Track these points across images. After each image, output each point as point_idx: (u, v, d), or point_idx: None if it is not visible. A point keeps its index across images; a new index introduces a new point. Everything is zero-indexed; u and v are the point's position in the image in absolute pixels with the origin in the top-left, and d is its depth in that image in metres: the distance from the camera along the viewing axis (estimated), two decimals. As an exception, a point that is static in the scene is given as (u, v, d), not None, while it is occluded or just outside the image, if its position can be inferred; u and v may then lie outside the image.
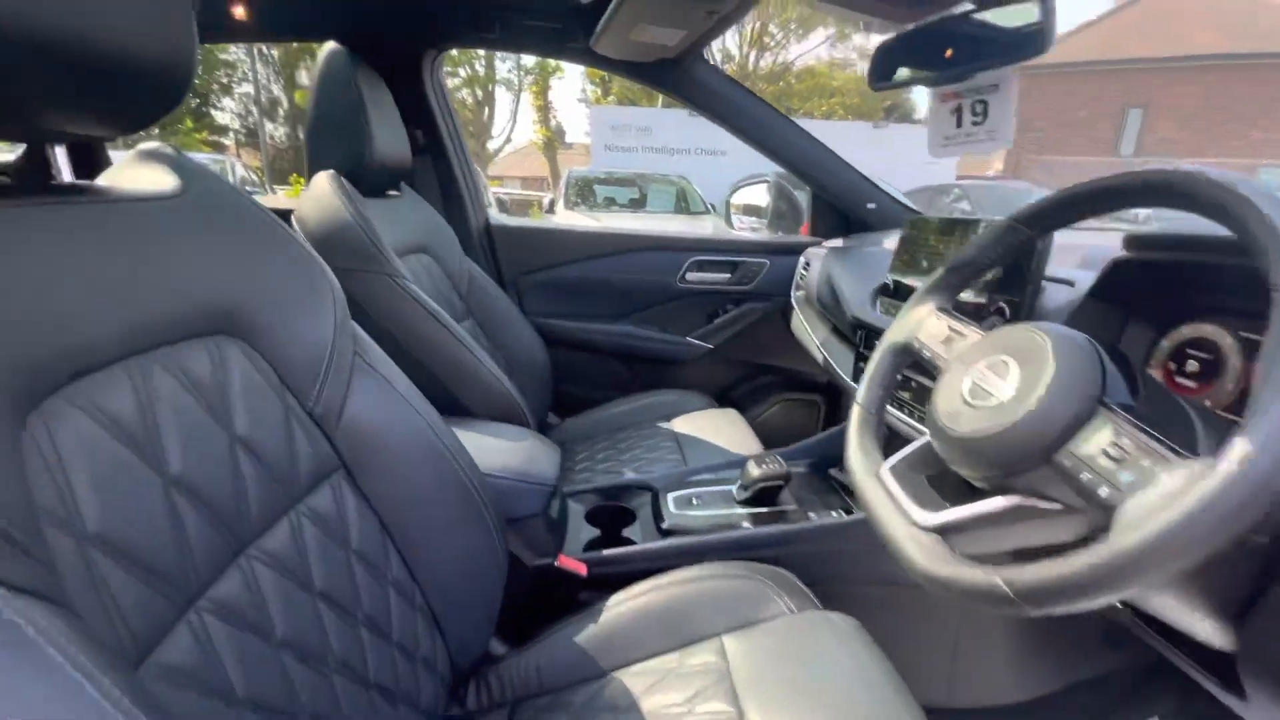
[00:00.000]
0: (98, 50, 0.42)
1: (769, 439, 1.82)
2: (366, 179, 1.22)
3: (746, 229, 1.96)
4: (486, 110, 14.31)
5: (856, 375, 1.20)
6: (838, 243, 1.65)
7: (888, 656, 0.76)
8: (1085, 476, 0.45)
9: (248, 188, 7.05)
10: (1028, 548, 0.53)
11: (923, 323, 0.70)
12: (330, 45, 1.19)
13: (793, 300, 1.72)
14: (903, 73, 0.92)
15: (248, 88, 14.37)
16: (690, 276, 1.80)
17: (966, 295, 0.87)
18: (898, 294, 1.13)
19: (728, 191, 2.05)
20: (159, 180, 0.57)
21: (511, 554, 0.90)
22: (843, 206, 1.68)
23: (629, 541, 1.04)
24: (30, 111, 0.44)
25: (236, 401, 0.55)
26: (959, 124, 0.90)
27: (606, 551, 1.01)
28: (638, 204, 7.03)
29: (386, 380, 0.71)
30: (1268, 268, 0.41)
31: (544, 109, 13.74)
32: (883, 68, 0.95)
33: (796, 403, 1.91)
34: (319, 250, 1.07)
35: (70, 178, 0.58)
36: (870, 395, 0.73)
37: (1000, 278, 0.87)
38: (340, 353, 0.66)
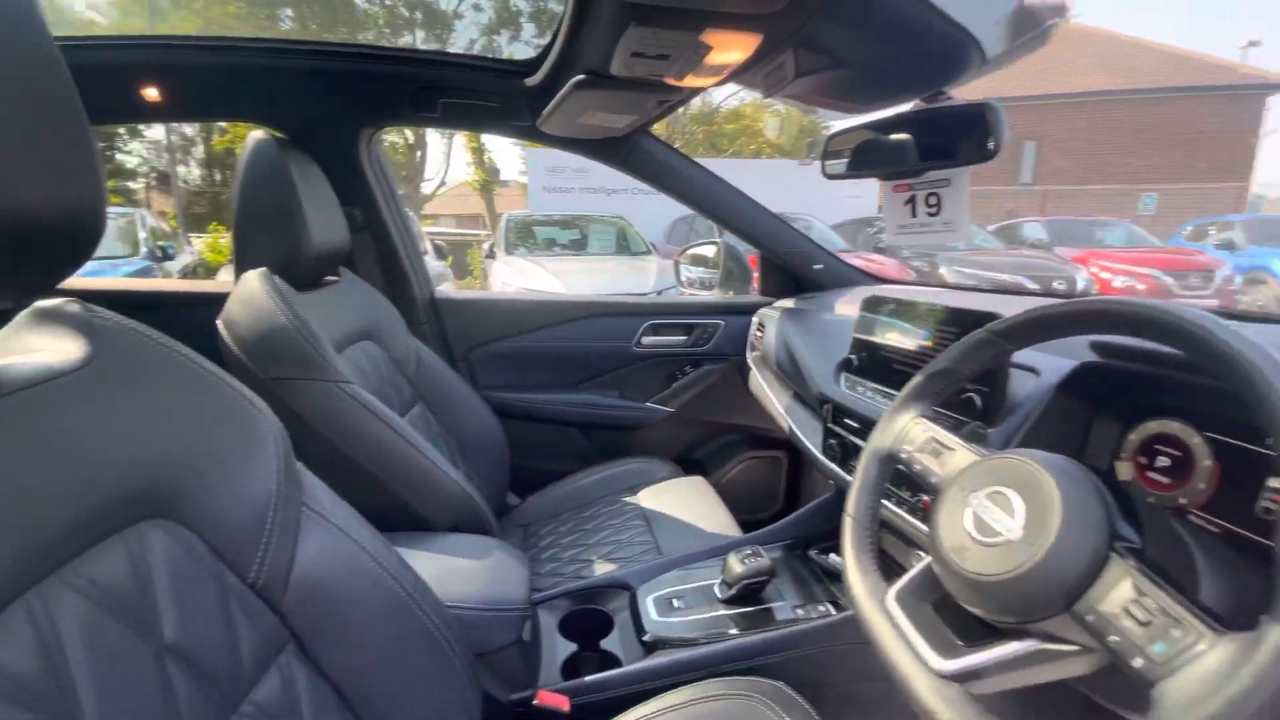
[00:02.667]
0: None
1: (737, 499, 1.79)
2: (302, 270, 1.13)
3: (696, 281, 1.96)
4: (419, 154, 14.13)
5: (826, 450, 1.19)
6: (789, 303, 1.67)
7: None
8: (1113, 639, 0.44)
9: (160, 243, 6.61)
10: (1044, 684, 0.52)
11: (907, 430, 0.69)
12: (257, 134, 1.11)
13: (749, 360, 1.72)
14: (854, 164, 0.93)
15: (159, 131, 13.64)
16: (647, 340, 1.78)
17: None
18: (861, 371, 1.13)
19: (670, 252, 2.06)
20: (62, 348, 0.49)
21: (485, 693, 0.82)
22: (790, 268, 1.70)
23: (610, 657, 0.98)
24: None
25: (162, 601, 0.47)
26: (913, 214, 0.91)
27: (589, 678, 0.94)
28: (579, 245, 7.03)
29: (338, 527, 0.64)
30: (1273, 433, 0.41)
31: (478, 150, 13.67)
32: (832, 157, 0.97)
33: (761, 460, 1.90)
34: (251, 358, 0.98)
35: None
36: (861, 505, 0.71)
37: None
38: (285, 504, 0.58)
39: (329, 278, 1.29)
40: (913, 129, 0.85)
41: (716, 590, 1.06)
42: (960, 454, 0.63)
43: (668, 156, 1.52)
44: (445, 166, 15.44)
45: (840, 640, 0.95)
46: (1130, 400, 0.74)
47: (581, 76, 1.00)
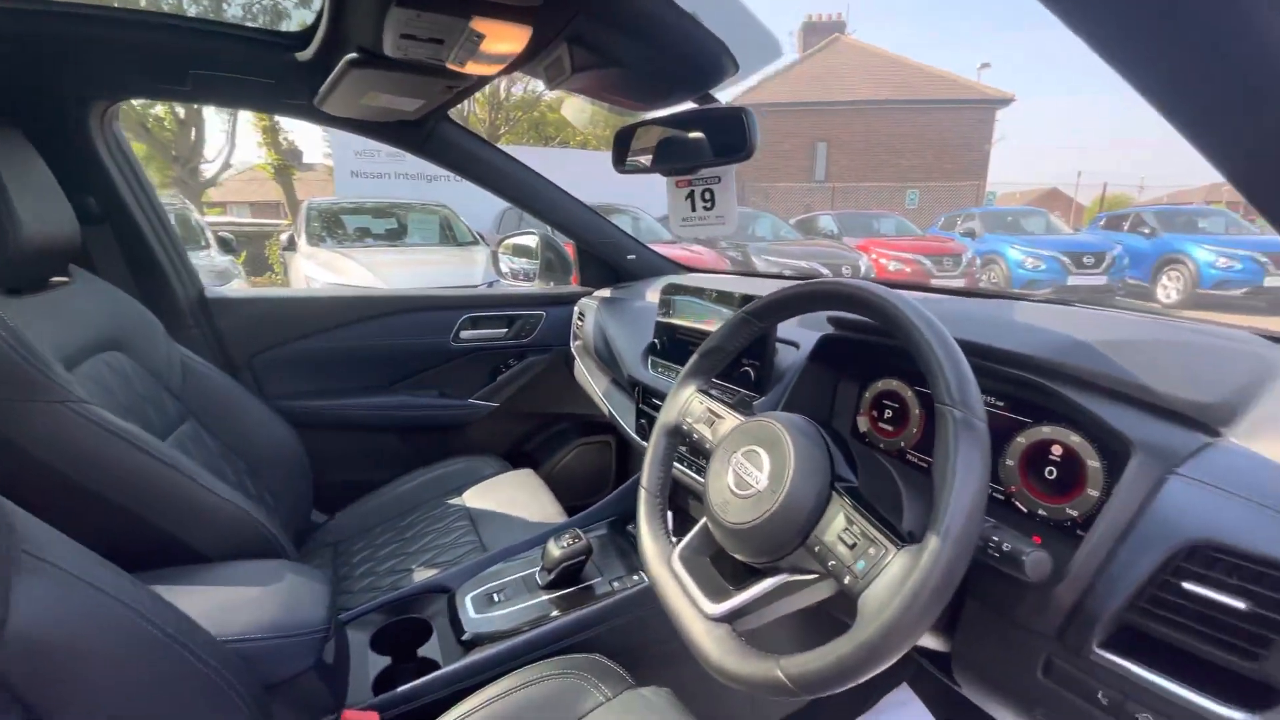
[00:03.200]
0: None
1: (569, 488, 1.82)
2: (16, 272, 0.93)
3: (519, 273, 1.94)
4: (194, 131, 12.05)
5: (639, 430, 1.26)
6: (606, 293, 1.73)
7: (705, 716, 0.80)
8: (832, 563, 0.53)
9: None
10: (797, 614, 0.61)
11: (689, 404, 0.76)
12: None
13: (572, 349, 1.75)
14: (638, 159, 0.99)
15: None
16: (465, 335, 1.73)
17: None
18: (664, 354, 1.21)
19: (495, 242, 2.01)
20: None
21: None
22: (605, 259, 1.76)
23: (429, 664, 0.95)
24: None
25: None
26: (694, 208, 0.99)
27: (402, 688, 0.90)
28: (397, 236, 6.55)
29: (70, 573, 0.54)
30: (933, 386, 0.51)
31: (270, 129, 12.00)
32: (621, 153, 1.01)
33: (591, 446, 1.95)
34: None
35: None
36: (653, 477, 0.76)
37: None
38: None
39: (56, 278, 1.07)
40: (685, 129, 0.92)
41: (537, 578, 1.08)
42: (728, 421, 0.70)
43: (472, 144, 1.48)
44: (229, 146, 13.30)
45: (650, 605, 1.02)
46: (863, 365, 0.88)
47: (354, 55, 0.94)
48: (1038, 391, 0.63)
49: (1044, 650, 0.56)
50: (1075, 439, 0.62)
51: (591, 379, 1.58)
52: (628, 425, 1.32)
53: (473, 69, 0.87)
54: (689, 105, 0.94)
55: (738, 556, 0.61)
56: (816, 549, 0.54)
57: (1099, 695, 0.52)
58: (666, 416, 0.78)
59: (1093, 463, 0.61)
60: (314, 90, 1.19)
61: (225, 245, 7.08)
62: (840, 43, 18.33)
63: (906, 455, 0.82)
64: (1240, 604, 0.45)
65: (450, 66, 0.88)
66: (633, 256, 1.75)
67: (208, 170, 13.31)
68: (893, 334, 0.56)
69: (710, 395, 0.76)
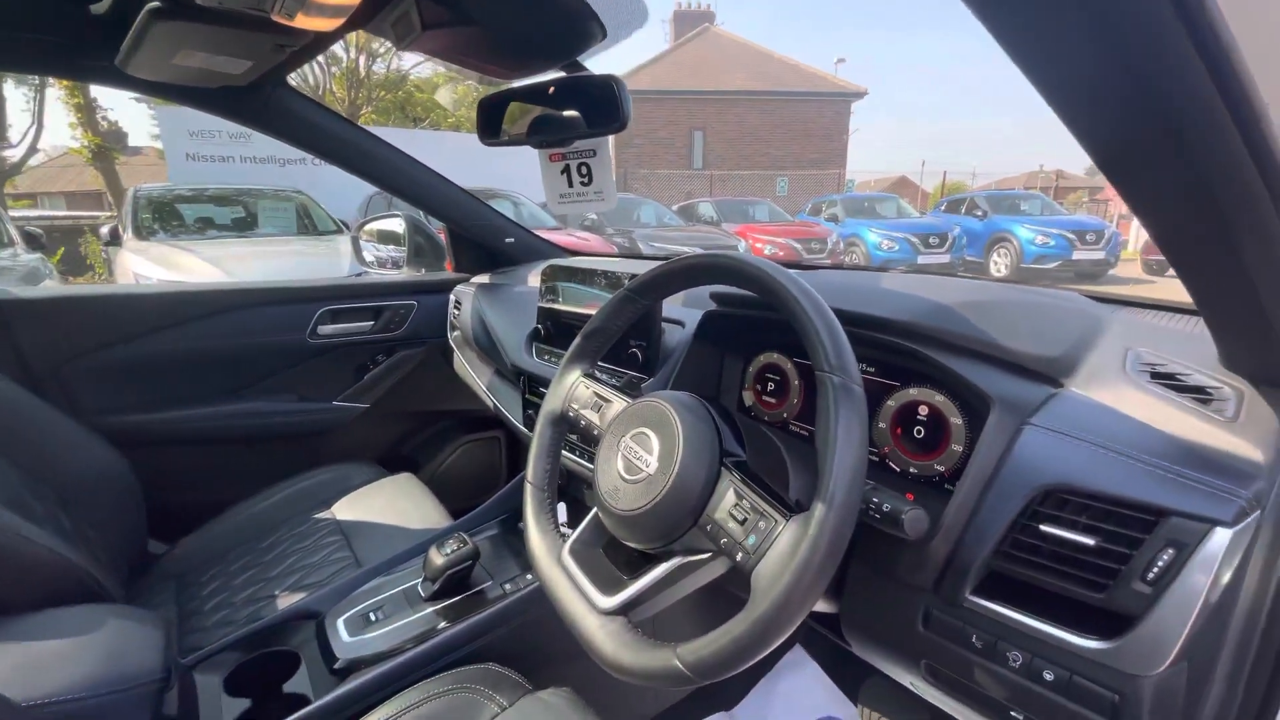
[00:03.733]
0: None
1: (458, 490, 1.71)
2: None
3: (387, 260, 1.79)
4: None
5: (527, 421, 1.20)
6: (484, 279, 1.63)
7: (608, 714, 0.77)
8: (724, 541, 0.51)
9: None
10: (694, 597, 0.59)
11: (574, 390, 0.72)
12: None
13: (450, 341, 1.64)
14: (506, 131, 0.92)
15: None
16: (324, 330, 1.56)
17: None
18: (548, 340, 1.16)
19: (356, 226, 1.83)
20: None
21: None
22: (481, 243, 1.66)
23: (298, 700, 0.84)
24: None
25: None
26: (570, 184, 0.95)
27: None
28: (245, 226, 5.87)
29: None
30: (812, 354, 0.51)
31: (85, 106, 10.24)
32: (488, 124, 0.94)
33: (479, 442, 1.84)
34: None
35: None
36: (539, 470, 0.72)
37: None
38: None
39: None
40: (553, 98, 0.87)
41: (420, 589, 0.99)
42: (616, 404, 0.67)
43: (320, 116, 1.32)
44: (34, 127, 11.21)
45: (545, 604, 0.98)
46: (746, 340, 0.89)
47: (156, 3, 0.79)
48: (905, 355, 0.66)
49: (923, 603, 0.59)
50: (939, 398, 0.66)
51: (473, 371, 1.49)
52: (514, 418, 1.25)
53: (305, 23, 0.76)
54: (558, 74, 0.88)
55: (631, 544, 0.59)
56: (709, 528, 0.53)
57: (973, 639, 0.54)
58: (551, 404, 0.73)
59: (955, 420, 0.64)
60: (116, 49, 1.00)
61: (33, 241, 6.01)
62: (710, 33, 18.85)
63: (790, 426, 0.83)
64: (1089, 540, 0.48)
65: (277, 19, 0.75)
66: (511, 240, 1.66)
67: (11, 155, 11.19)
68: (772, 305, 0.55)
69: (596, 379, 0.72)
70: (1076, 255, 8.72)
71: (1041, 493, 0.51)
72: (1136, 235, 10.46)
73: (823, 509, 0.45)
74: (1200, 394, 0.54)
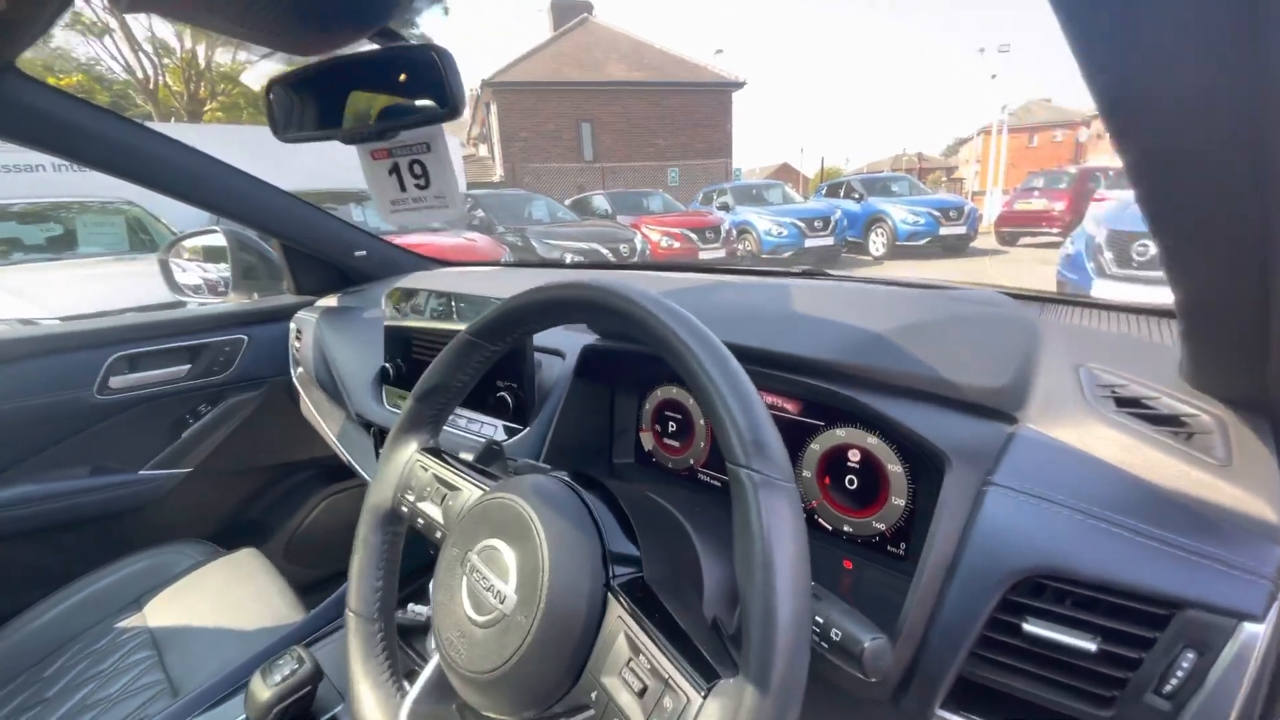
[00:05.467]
0: None
1: (323, 554, 1.44)
2: None
3: (203, 286, 1.47)
4: None
5: None
6: (330, 302, 1.37)
7: None
8: None
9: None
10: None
11: (410, 474, 0.53)
12: None
13: (294, 380, 1.37)
14: (308, 123, 0.70)
15: None
16: (118, 382, 1.24)
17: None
18: (400, 382, 0.95)
19: (164, 248, 1.49)
20: None
21: None
22: (325, 258, 1.40)
23: None
24: None
25: None
26: (402, 186, 0.74)
27: None
28: (63, 246, 5.01)
29: None
30: (719, 433, 0.36)
31: None
32: (281, 115, 0.71)
33: (346, 493, 1.57)
34: None
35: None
36: (363, 593, 0.52)
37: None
38: None
39: None
40: (363, 78, 0.66)
41: (243, 729, 0.76)
42: (465, 493, 0.49)
43: (71, 110, 0.99)
44: None
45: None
46: (640, 372, 0.73)
47: None
48: (830, 393, 0.52)
49: None
50: (872, 441, 0.53)
51: (322, 417, 1.24)
52: (371, 475, 1.03)
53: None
54: (369, 46, 0.67)
55: (492, 716, 0.41)
56: (594, 694, 0.36)
57: None
58: (376, 496, 0.54)
59: (894, 467, 0.52)
60: None
61: None
62: (590, 23, 18.60)
63: (699, 474, 0.69)
64: (1088, 644, 0.37)
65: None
66: (362, 253, 1.41)
67: None
68: (656, 351, 0.40)
69: (440, 454, 0.53)
70: (943, 231, 9.52)
71: (1018, 580, 0.39)
72: (989, 210, 11.51)
73: (753, 693, 0.29)
74: (1176, 425, 0.44)
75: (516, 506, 0.41)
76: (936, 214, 9.51)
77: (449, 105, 0.62)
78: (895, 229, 9.66)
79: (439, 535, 0.48)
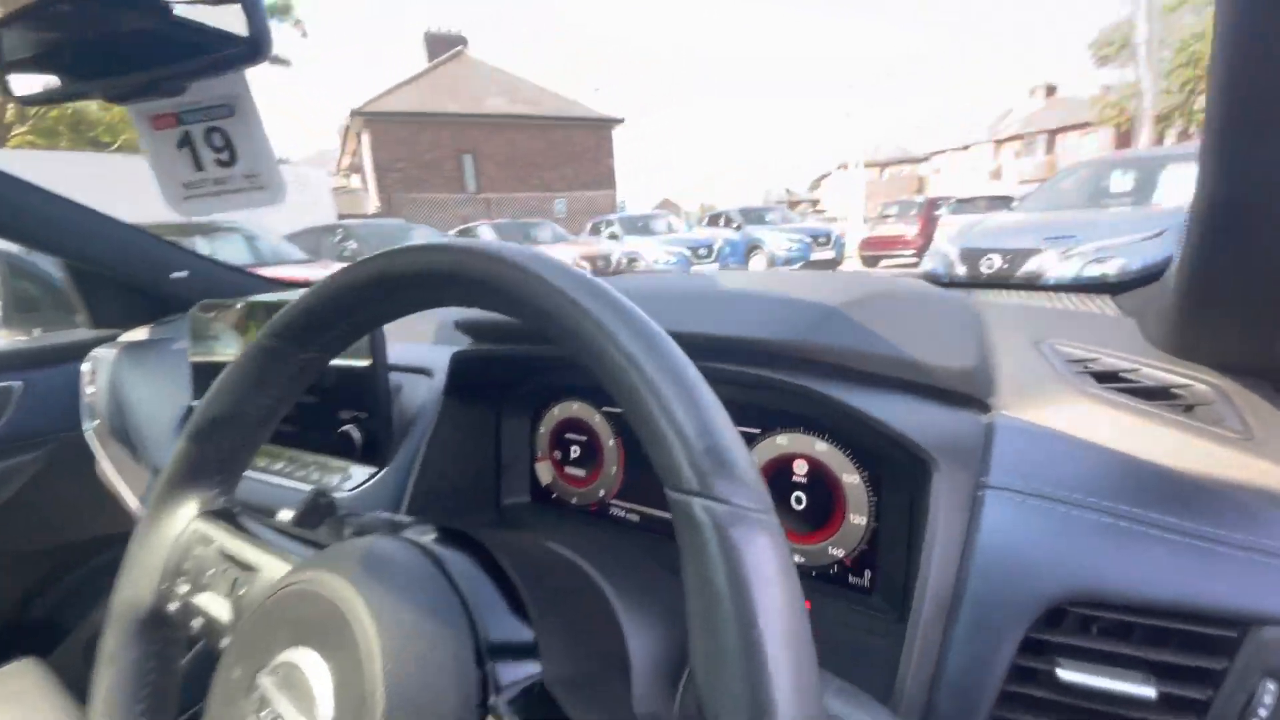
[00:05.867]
0: None
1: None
2: None
3: None
4: None
5: None
6: (139, 335, 1.11)
7: None
8: None
9: None
10: None
11: (183, 550, 0.36)
12: None
13: (88, 435, 1.08)
14: (48, 78, 0.51)
15: None
16: None
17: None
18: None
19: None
20: None
21: None
22: (134, 284, 1.13)
23: None
24: None
25: None
26: (199, 164, 0.56)
27: None
28: None
29: None
30: (654, 449, 0.23)
31: None
32: (14, 67, 0.52)
33: None
34: None
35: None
36: None
37: (341, 385, 0.61)
38: None
39: None
40: (129, 7, 0.49)
41: None
42: (266, 572, 0.33)
43: None
44: None
45: None
46: (530, 384, 0.59)
47: None
48: (769, 389, 0.42)
49: None
50: (821, 447, 0.43)
51: (125, 481, 0.97)
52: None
53: None
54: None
55: None
56: None
57: None
58: (130, 590, 0.36)
59: (850, 478, 0.42)
60: None
61: None
62: (465, 56, 18.41)
63: (611, 511, 0.56)
64: (1146, 691, 0.28)
65: None
66: (182, 274, 1.16)
67: None
68: (554, 338, 0.27)
69: (232, 519, 0.36)
70: (814, 255, 10.41)
71: (1044, 614, 0.30)
72: (850, 237, 12.65)
73: None
74: (1168, 398, 0.38)
75: (328, 593, 0.26)
76: (808, 240, 10.43)
77: (252, 42, 0.46)
78: (772, 255, 10.37)
79: (224, 644, 0.32)
